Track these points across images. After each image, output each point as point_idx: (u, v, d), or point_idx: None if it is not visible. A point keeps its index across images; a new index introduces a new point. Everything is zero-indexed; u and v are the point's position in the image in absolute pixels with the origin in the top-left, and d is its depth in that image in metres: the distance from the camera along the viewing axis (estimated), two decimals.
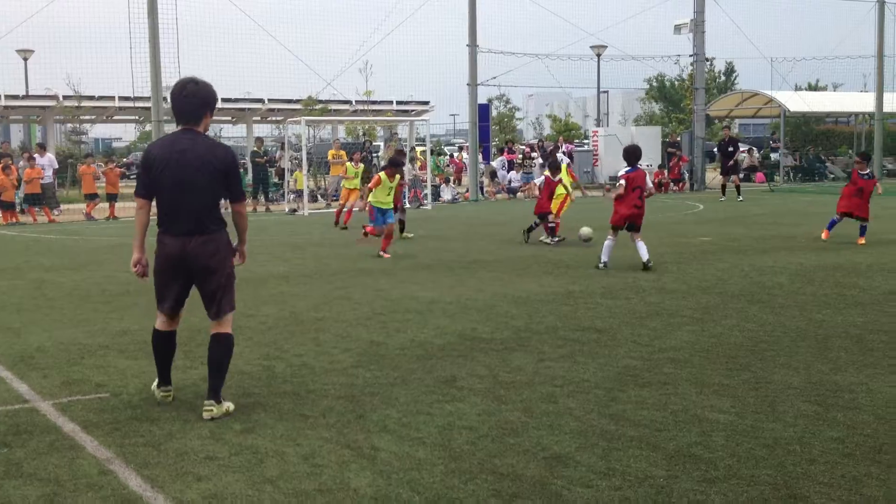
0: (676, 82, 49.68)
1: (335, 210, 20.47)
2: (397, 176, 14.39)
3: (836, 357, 6.92)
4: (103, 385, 6.38)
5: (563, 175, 16.01)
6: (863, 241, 14.26)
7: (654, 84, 53.37)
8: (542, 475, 4.54)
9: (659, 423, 5.36)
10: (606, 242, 12.06)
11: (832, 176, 36.89)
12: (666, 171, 33.25)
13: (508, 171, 31.96)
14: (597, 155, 33.92)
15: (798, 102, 37.55)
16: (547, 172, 15.94)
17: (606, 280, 11.02)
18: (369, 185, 14.37)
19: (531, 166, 31.21)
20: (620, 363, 6.83)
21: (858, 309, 8.88)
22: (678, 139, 35.56)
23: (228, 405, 5.64)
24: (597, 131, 35.50)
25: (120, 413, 5.69)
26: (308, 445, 5.02)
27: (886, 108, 37.32)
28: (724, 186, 27.44)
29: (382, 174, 14.18)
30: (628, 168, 12.08)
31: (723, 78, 53.94)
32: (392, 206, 14.25)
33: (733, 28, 66.52)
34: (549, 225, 15.41)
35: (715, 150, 29.89)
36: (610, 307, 9.20)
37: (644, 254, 11.75)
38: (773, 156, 39.51)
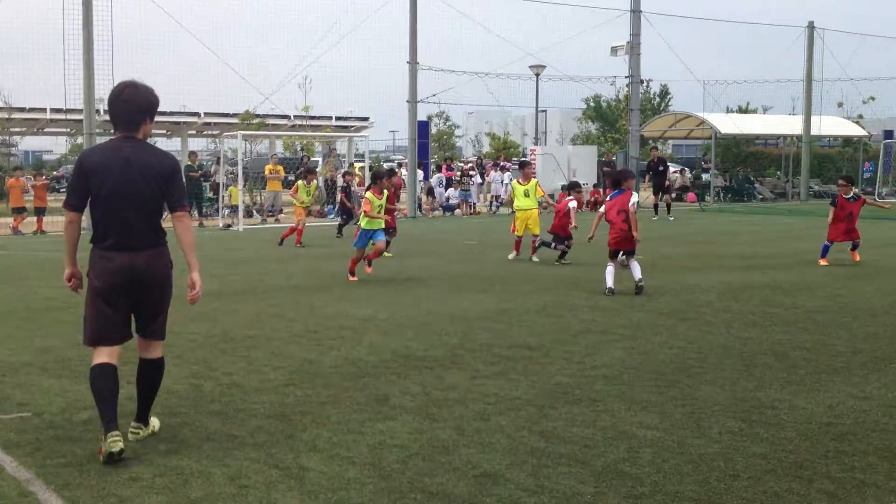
0: (613, 103, 50.59)
1: (290, 227, 19.87)
2: (385, 192, 13.30)
3: (760, 374, 7.07)
4: (25, 404, 6.20)
5: (532, 189, 15.85)
6: (857, 257, 14.54)
7: (591, 104, 54.18)
8: (471, 493, 4.54)
9: (588, 439, 5.41)
10: (608, 268, 11.52)
11: (760, 196, 37.80)
12: (602, 190, 33.75)
13: (446, 189, 32.08)
14: (534, 173, 34.23)
15: (729, 125, 38.47)
16: (570, 197, 15.43)
17: (540, 298, 11.11)
18: (365, 209, 13.15)
19: (469, 184, 31.36)
20: (552, 380, 6.88)
21: (783, 327, 9.09)
22: (613, 159, 36.14)
23: (154, 425, 5.51)
24: (534, 149, 35.85)
25: (42, 433, 5.54)
26: (235, 466, 4.95)
27: (814, 132, 38.50)
28: (656, 205, 27.94)
29: (369, 194, 13.08)
30: (613, 192, 11.86)
31: (657, 99, 54.97)
32: (382, 225, 13.19)
33: (668, 51, 67.94)
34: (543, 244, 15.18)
35: (645, 169, 30.42)
36: (543, 324, 9.27)
37: (637, 273, 11.48)
38: (705, 176, 40.32)
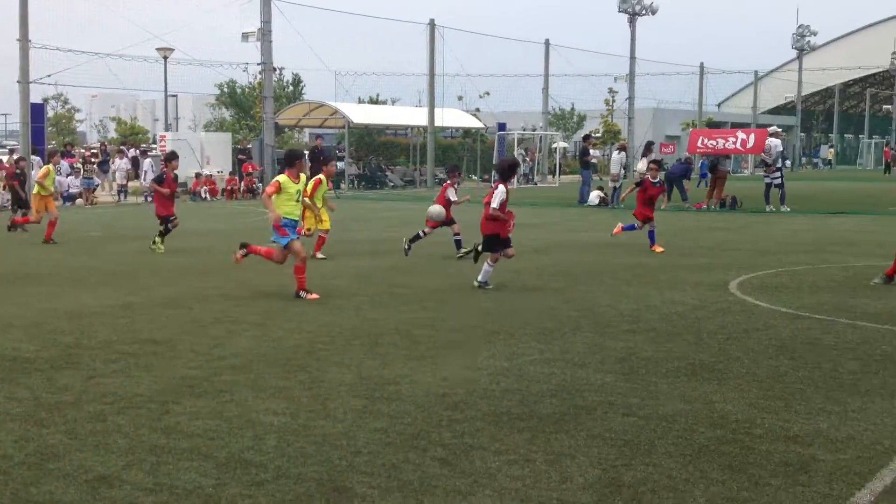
0: (247, 90, 50.06)
1: (21, 217, 17.61)
2: (302, 177, 10.53)
3: (385, 352, 7.38)
4: None
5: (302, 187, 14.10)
6: (659, 248, 14.81)
7: (225, 90, 53.15)
8: (82, 499, 4.24)
9: (213, 431, 5.28)
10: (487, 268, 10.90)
11: (392, 184, 39.65)
12: (238, 178, 33.30)
13: (67, 176, 29.77)
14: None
15: (361, 115, 39.83)
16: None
17: (169, 290, 10.69)
18: (269, 190, 10.28)
19: (92, 172, 29.36)
20: (178, 374, 6.64)
21: (407, 306, 9.58)
22: (249, 146, 35.84)
23: None
24: (165, 135, 34.43)
25: None
26: None
27: (438, 123, 41.08)
28: None
29: (283, 177, 10.31)
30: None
31: (291, 88, 55.28)
32: (300, 217, 10.77)
33: (301, 39, 68.44)
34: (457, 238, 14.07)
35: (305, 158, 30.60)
36: (171, 317, 8.92)
37: (480, 275, 10.92)
38: (340, 164, 41.40)
